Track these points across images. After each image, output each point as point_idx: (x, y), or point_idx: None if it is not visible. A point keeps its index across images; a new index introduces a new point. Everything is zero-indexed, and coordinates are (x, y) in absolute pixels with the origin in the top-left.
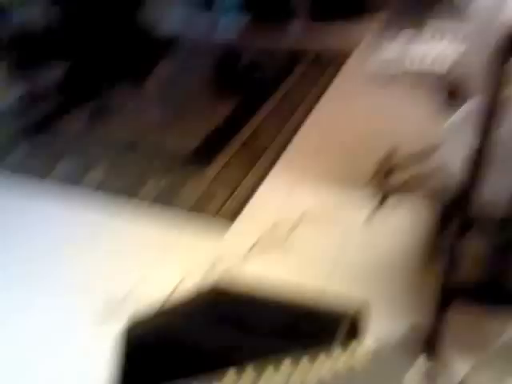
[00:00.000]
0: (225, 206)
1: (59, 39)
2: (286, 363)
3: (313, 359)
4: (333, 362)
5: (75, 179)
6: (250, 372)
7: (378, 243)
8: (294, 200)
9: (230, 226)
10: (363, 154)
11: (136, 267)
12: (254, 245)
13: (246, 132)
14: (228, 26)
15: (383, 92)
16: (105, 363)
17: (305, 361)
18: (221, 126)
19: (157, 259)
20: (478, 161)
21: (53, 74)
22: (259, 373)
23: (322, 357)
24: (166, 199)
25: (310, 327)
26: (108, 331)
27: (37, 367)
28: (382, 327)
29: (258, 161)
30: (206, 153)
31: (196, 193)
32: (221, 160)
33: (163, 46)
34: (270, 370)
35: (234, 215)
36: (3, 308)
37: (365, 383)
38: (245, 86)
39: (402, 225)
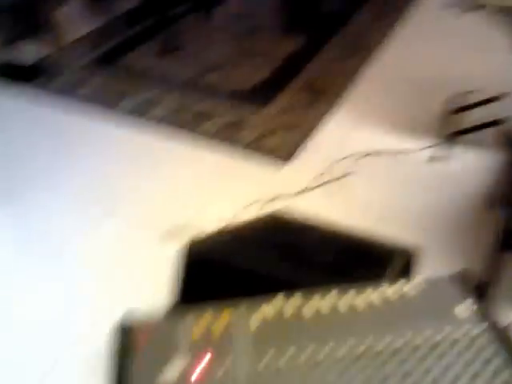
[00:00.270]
0: (284, 143)
1: None
2: (334, 293)
3: (361, 290)
4: (382, 292)
5: (141, 111)
6: (297, 297)
7: (437, 187)
8: (354, 140)
9: (288, 162)
10: (431, 93)
11: (196, 196)
12: (310, 182)
13: (310, 70)
14: None
15: (457, 29)
16: (167, 277)
17: (353, 291)
18: (285, 63)
19: (216, 189)
20: None
21: (125, 7)
22: (306, 299)
23: (370, 289)
24: (227, 134)
25: (362, 260)
26: (170, 251)
27: (109, 274)
28: (434, 271)
29: (320, 99)
30: (268, 90)
31: (257, 129)
32: (283, 98)
33: None
34: (316, 297)
35: (292, 152)
36: (75, 229)
37: (414, 311)
38: (312, 22)
39: (464, 169)
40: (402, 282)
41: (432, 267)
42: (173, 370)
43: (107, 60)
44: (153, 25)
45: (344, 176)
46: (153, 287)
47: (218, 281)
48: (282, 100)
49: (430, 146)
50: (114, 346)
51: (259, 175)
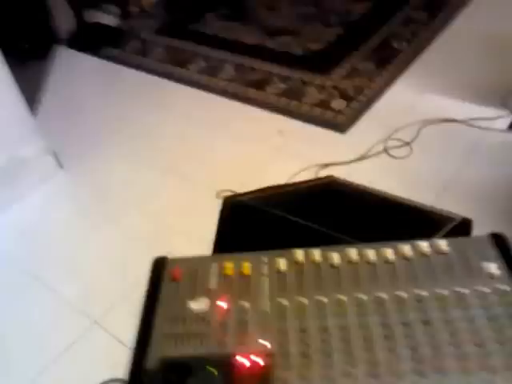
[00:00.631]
0: (346, 109)
1: None
2: (368, 246)
3: (395, 245)
4: (416, 247)
5: (209, 73)
6: (329, 250)
7: (504, 162)
8: (419, 108)
9: (350, 129)
10: (506, 63)
11: (257, 158)
12: (369, 150)
13: (379, 34)
14: None
15: None
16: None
17: (387, 246)
18: (353, 29)
19: (277, 152)
20: None
21: None
22: (337, 251)
23: (404, 244)
24: (290, 98)
25: (410, 225)
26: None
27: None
28: None
29: (389, 64)
30: (334, 54)
31: (320, 94)
32: (349, 62)
33: None
34: (350, 250)
35: (355, 117)
36: (142, 189)
37: (446, 266)
38: None
39: None
40: (437, 240)
41: None
42: (190, 307)
43: (179, 25)
44: None
45: (405, 145)
46: (200, 237)
47: (254, 230)
48: (348, 65)
49: (500, 115)
50: (149, 276)
51: (320, 140)
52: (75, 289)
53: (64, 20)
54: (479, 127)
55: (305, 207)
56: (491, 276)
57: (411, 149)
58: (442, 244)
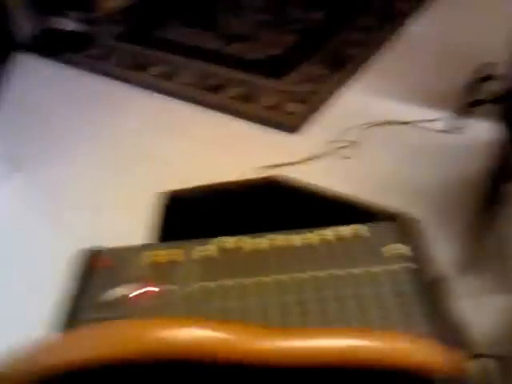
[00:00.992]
0: (298, 112)
1: None
2: (281, 233)
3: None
4: (323, 234)
5: (166, 78)
6: (250, 237)
7: (447, 159)
8: (367, 110)
9: (300, 131)
10: (455, 64)
11: (205, 160)
12: (317, 151)
13: (333, 41)
14: None
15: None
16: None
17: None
18: (309, 35)
19: (226, 154)
20: None
21: None
22: (255, 238)
23: (310, 232)
24: (243, 102)
25: (344, 220)
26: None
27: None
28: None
29: (340, 69)
30: (290, 60)
31: (273, 97)
32: (303, 67)
33: None
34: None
35: (307, 119)
36: (92, 189)
37: (349, 251)
38: None
39: (477, 141)
40: (357, 226)
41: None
42: (117, 292)
43: (141, 31)
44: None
45: (351, 145)
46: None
47: (192, 223)
48: (303, 70)
49: (443, 117)
50: (75, 268)
51: (270, 142)
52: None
53: (25, 25)
54: (422, 129)
55: (243, 203)
56: (389, 258)
57: (358, 149)
58: (361, 229)
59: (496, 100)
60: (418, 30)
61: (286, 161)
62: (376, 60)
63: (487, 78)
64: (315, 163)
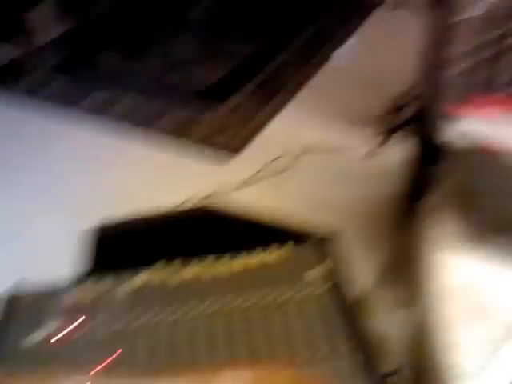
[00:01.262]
0: (234, 139)
1: None
2: (209, 259)
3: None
4: (246, 259)
5: (101, 110)
6: (176, 265)
7: (370, 183)
8: (300, 135)
9: (235, 158)
10: (377, 91)
11: (139, 192)
12: (253, 175)
13: (267, 71)
14: None
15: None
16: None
17: (227, 257)
18: (244, 64)
19: (160, 186)
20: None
21: (95, 12)
22: (183, 266)
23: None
24: (179, 131)
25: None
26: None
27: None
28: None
29: (272, 99)
30: (223, 89)
31: (208, 126)
32: (237, 97)
33: None
34: (193, 264)
35: (239, 148)
36: (14, 224)
37: (271, 275)
38: (274, 24)
39: (397, 164)
40: (269, 249)
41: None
42: (40, 333)
43: (74, 61)
44: (121, 27)
45: (282, 172)
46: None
47: (122, 257)
48: (237, 99)
49: (367, 142)
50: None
51: (204, 171)
52: None
53: None
54: (350, 153)
55: (175, 233)
56: (309, 281)
57: (290, 175)
58: (285, 252)
59: (410, 121)
60: (348, 57)
61: (219, 188)
62: (308, 87)
63: (408, 102)
64: (248, 190)
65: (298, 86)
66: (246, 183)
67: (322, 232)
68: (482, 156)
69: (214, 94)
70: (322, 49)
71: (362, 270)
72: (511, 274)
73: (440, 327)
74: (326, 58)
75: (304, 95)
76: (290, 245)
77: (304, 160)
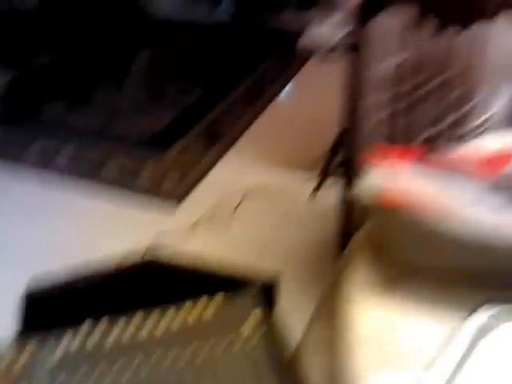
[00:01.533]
0: (177, 187)
1: (45, 26)
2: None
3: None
4: (181, 314)
5: (43, 163)
6: (103, 324)
7: (311, 223)
8: (242, 181)
9: (180, 205)
10: (314, 137)
11: (88, 241)
12: (198, 221)
13: (209, 118)
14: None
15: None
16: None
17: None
18: (188, 111)
19: (104, 238)
20: None
21: (38, 62)
22: (115, 324)
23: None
24: (123, 181)
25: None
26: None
27: None
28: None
29: (214, 145)
30: (167, 137)
31: (153, 174)
32: (180, 144)
33: (153, 29)
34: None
35: (184, 195)
36: None
37: (206, 328)
38: (216, 72)
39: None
40: (203, 301)
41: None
42: None
43: (16, 112)
44: (64, 77)
45: (228, 215)
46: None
47: (57, 315)
48: (182, 144)
49: (306, 185)
50: None
51: (149, 220)
52: None
53: None
54: (294, 194)
55: (117, 286)
56: (245, 331)
57: (234, 218)
58: (223, 303)
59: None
60: (289, 100)
61: (164, 236)
62: (249, 133)
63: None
64: (193, 236)
65: (240, 131)
66: (190, 231)
67: (262, 279)
68: (392, 206)
69: (158, 142)
70: (261, 96)
71: (300, 317)
72: (422, 321)
73: (354, 376)
74: (265, 105)
75: (245, 141)
76: (227, 296)
77: (250, 202)
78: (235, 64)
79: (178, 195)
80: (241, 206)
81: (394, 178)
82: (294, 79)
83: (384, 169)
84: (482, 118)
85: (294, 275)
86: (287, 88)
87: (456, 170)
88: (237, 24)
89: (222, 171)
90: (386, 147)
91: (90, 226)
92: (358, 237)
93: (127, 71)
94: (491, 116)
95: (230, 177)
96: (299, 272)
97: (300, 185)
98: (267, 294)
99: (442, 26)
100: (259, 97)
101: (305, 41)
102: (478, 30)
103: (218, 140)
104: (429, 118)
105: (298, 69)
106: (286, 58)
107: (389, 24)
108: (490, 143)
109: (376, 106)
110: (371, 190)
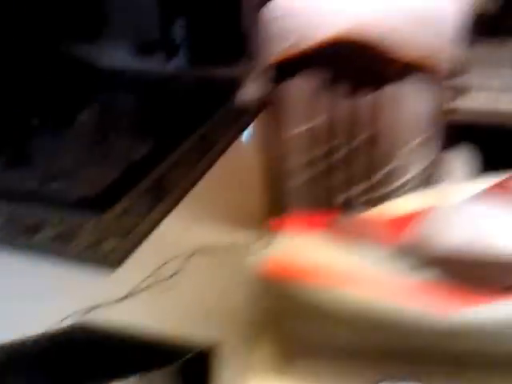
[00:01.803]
0: (117, 249)
1: None
2: None
3: None
4: None
5: None
6: None
7: (258, 282)
8: (185, 242)
9: (119, 268)
10: (261, 193)
11: (21, 305)
12: (135, 288)
13: (154, 175)
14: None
15: None
16: None
17: None
18: (131, 168)
19: (35, 305)
20: None
21: None
22: None
23: None
24: (59, 244)
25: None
26: None
27: None
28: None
29: (158, 204)
30: (107, 197)
31: (91, 236)
32: (121, 205)
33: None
34: None
35: (124, 257)
36: None
37: None
38: (164, 126)
39: None
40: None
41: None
42: None
43: None
44: (1, 134)
45: (170, 277)
46: None
47: None
48: (124, 204)
49: (253, 242)
50: None
51: (86, 283)
52: None
53: None
54: (242, 252)
55: (49, 356)
56: None
57: (179, 279)
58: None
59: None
60: (239, 154)
61: (103, 301)
62: (195, 190)
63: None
64: (135, 300)
65: (186, 189)
66: (132, 293)
67: (195, 350)
68: (283, 277)
69: (97, 203)
70: (208, 153)
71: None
72: None
73: None
74: (212, 161)
75: (191, 198)
76: (142, 376)
77: (196, 261)
78: (185, 118)
79: (119, 256)
80: (186, 268)
81: (296, 246)
82: (239, 136)
83: (289, 236)
84: (401, 180)
85: (235, 343)
86: (236, 142)
87: (363, 234)
88: (189, 76)
89: (164, 232)
90: (297, 213)
91: (22, 291)
92: (256, 312)
93: (71, 127)
94: (410, 178)
95: (172, 238)
96: (240, 340)
97: (246, 242)
98: (198, 366)
99: (354, 89)
100: (206, 153)
101: (241, 95)
102: (388, 91)
103: (162, 199)
104: (346, 180)
105: (248, 122)
106: (237, 111)
107: (301, 87)
108: (401, 205)
109: (296, 168)
110: (265, 258)
